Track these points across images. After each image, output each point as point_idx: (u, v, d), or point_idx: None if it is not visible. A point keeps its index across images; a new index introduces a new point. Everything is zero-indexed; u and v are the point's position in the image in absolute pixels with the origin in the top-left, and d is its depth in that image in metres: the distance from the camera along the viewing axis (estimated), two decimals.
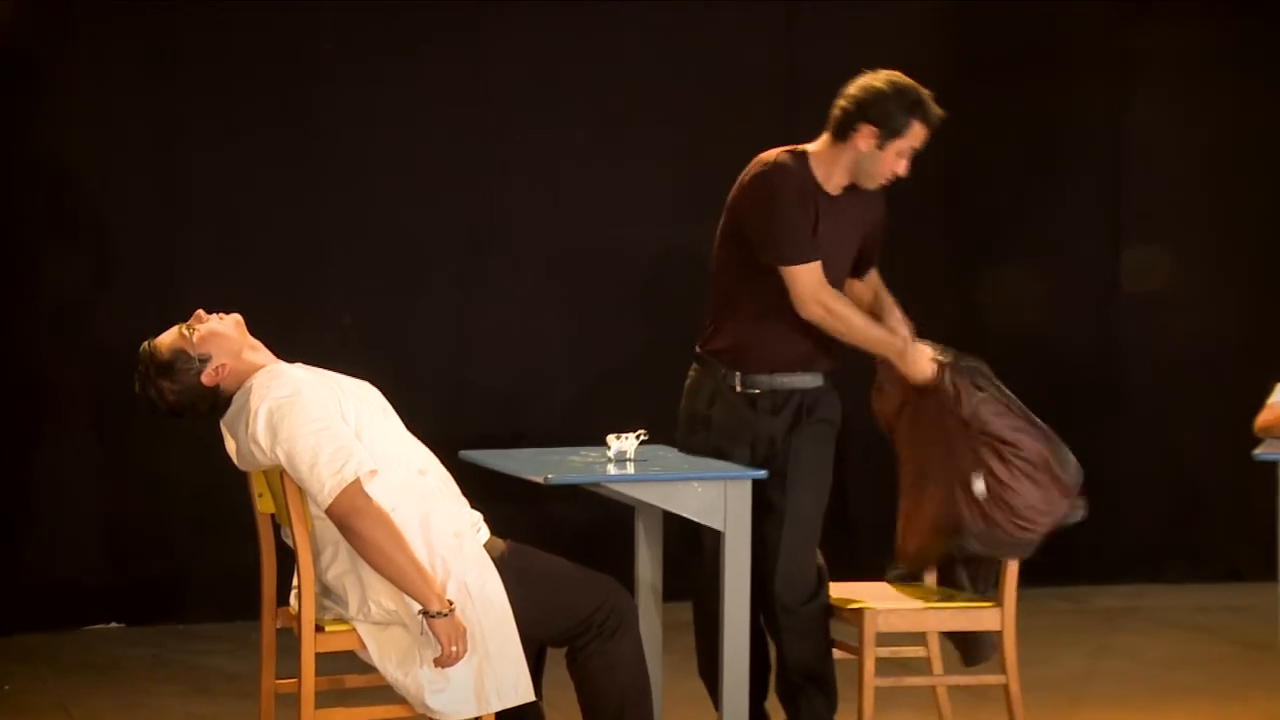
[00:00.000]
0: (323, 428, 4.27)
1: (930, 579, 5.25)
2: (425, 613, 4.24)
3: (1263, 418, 5.18)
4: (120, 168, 7.01)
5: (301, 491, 4.31)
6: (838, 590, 5.12)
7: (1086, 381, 7.98)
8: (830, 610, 5.09)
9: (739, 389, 5.11)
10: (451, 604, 4.26)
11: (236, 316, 4.51)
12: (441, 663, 4.26)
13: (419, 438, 4.55)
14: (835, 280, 5.06)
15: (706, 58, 7.42)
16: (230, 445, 4.46)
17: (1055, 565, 7.73)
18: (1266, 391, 5.27)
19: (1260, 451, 5.04)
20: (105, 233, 7.01)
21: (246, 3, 7.06)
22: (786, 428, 5.10)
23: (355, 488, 4.24)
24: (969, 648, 5.14)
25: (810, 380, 5.13)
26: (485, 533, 4.50)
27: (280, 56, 7.13)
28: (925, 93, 5.03)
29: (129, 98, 7.00)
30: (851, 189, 5.09)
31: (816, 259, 4.99)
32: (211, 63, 7.06)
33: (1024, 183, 7.92)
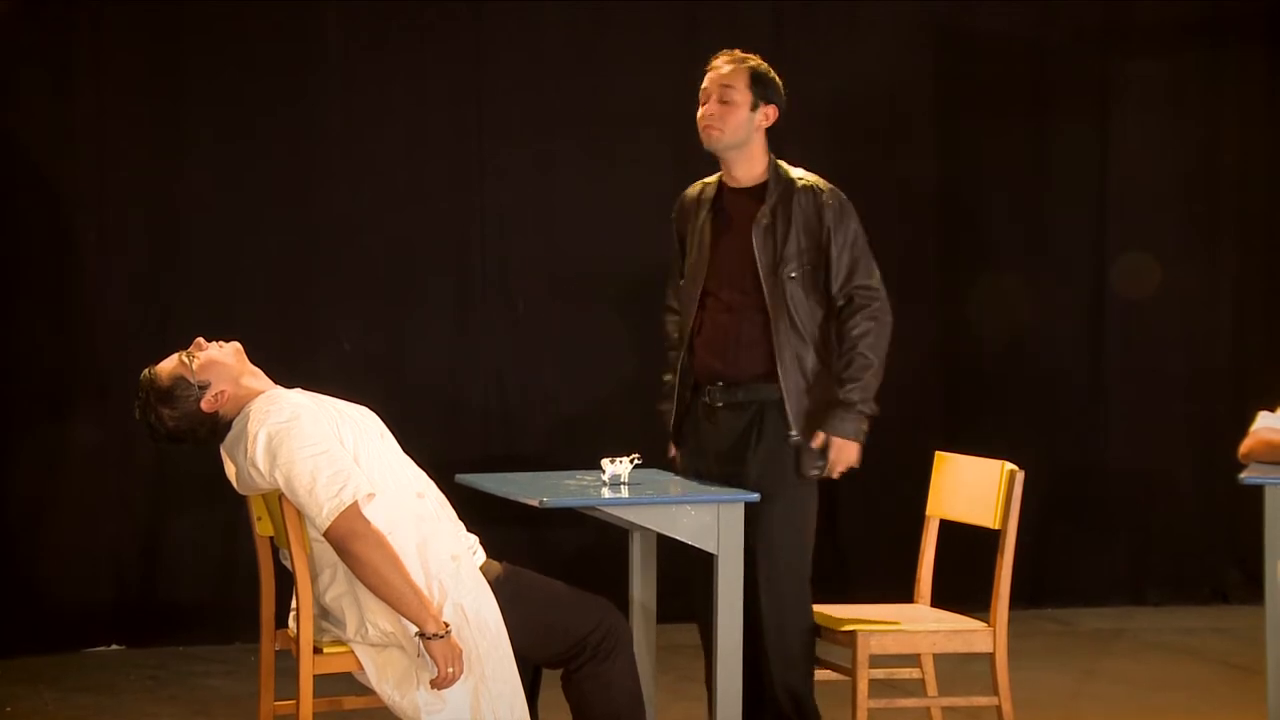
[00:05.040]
0: (321, 452, 4.27)
1: (924, 600, 5.25)
2: (422, 635, 4.23)
3: (1246, 445, 5.17)
4: (117, 197, 6.99)
5: (300, 515, 4.30)
6: (830, 611, 5.10)
7: (1073, 403, 7.96)
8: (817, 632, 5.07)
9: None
10: (448, 626, 4.25)
11: (236, 344, 4.51)
12: (438, 684, 4.25)
13: (416, 461, 4.54)
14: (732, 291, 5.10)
15: (696, 69, 7.42)
16: (230, 470, 4.45)
17: (1045, 587, 7.77)
18: (1251, 413, 5.26)
19: (1246, 475, 5.03)
20: (106, 259, 6.99)
21: (240, 30, 7.05)
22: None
23: (353, 511, 4.23)
24: None
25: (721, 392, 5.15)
26: (481, 555, 4.49)
27: (277, 78, 7.12)
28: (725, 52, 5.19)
29: (126, 117, 6.99)
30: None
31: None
32: (209, 82, 7.05)
33: (1013, 199, 7.91)
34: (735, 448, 5.09)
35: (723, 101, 5.07)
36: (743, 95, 5.07)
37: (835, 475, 5.07)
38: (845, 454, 5.04)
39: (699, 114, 5.11)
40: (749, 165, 5.13)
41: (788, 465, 5.04)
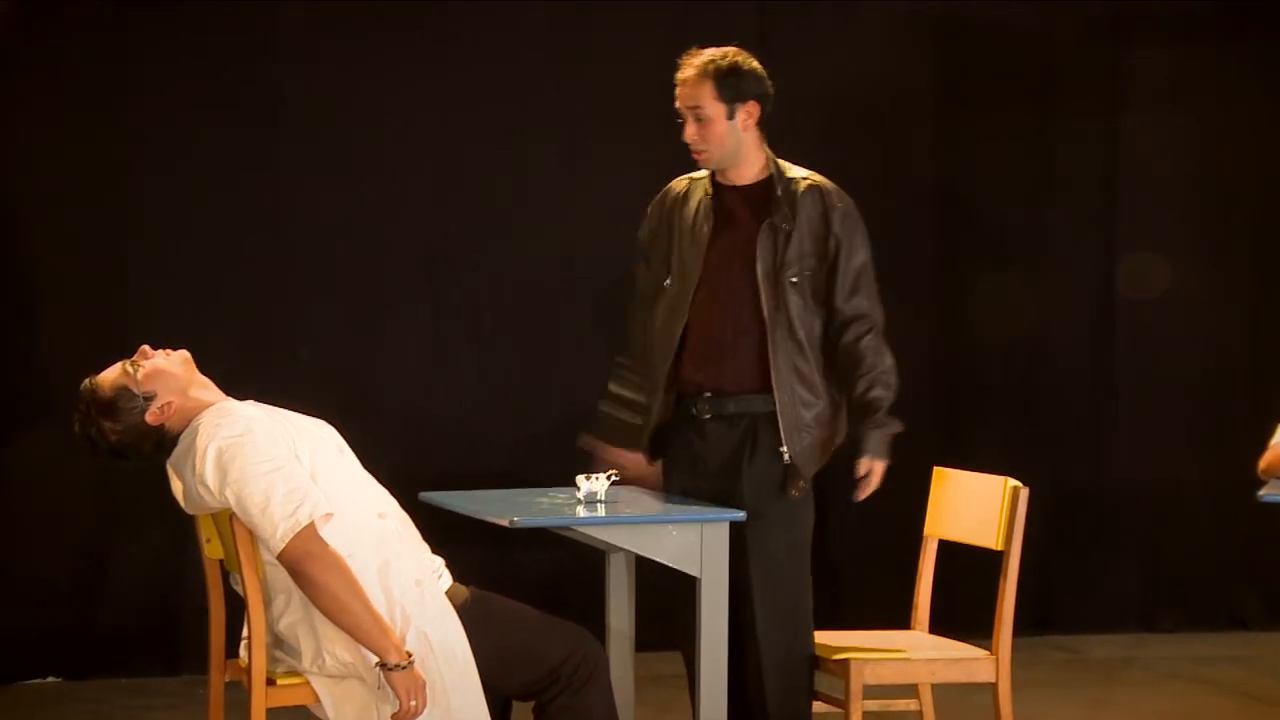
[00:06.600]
0: (275, 468, 4.26)
1: (922, 626, 5.26)
2: (383, 665, 4.23)
3: (1266, 459, 5.19)
4: (67, 193, 6.99)
5: (252, 536, 4.30)
6: (822, 638, 5.11)
7: (1079, 413, 7.98)
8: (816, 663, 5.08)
9: None
10: (411, 655, 4.25)
11: (184, 352, 4.50)
12: (400, 718, 4.23)
13: (377, 478, 4.54)
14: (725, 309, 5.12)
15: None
16: (176, 487, 4.44)
17: (1051, 613, 7.79)
18: (1269, 424, 5.27)
19: (1265, 493, 5.04)
20: (49, 263, 6.98)
21: (200, 21, 7.05)
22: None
23: (309, 532, 4.23)
24: None
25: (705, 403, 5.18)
26: (447, 579, 4.49)
27: (236, 77, 7.12)
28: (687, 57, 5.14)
29: (79, 118, 6.98)
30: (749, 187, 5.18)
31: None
32: (164, 84, 7.05)
33: (1016, 197, 7.94)
34: (727, 464, 5.09)
35: (698, 120, 5.08)
36: (713, 107, 5.06)
37: (861, 497, 5.07)
38: (877, 475, 5.07)
39: (685, 136, 5.12)
40: (745, 165, 5.13)
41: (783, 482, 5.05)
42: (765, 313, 5.03)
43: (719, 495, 5.03)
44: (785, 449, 5.02)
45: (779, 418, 5.02)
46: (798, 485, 5.04)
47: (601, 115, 7.44)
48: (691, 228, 5.16)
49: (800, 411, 5.03)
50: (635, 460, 5.23)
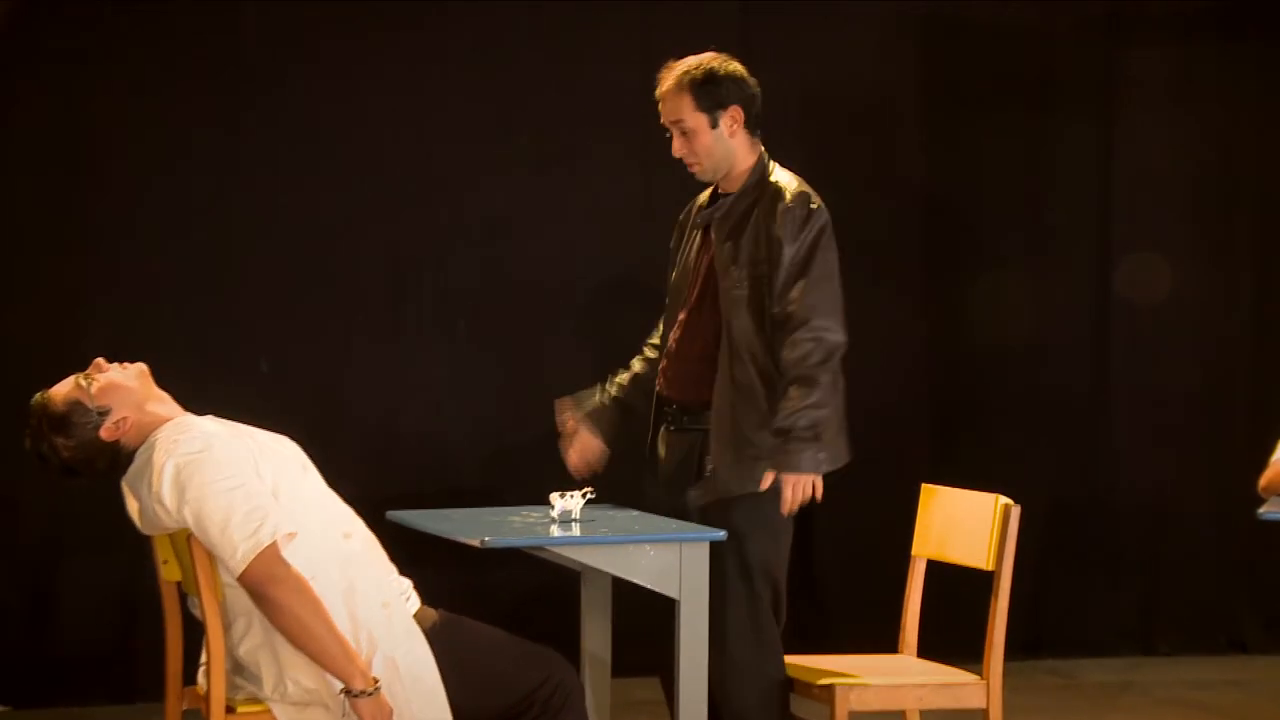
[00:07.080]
0: (235, 486, 4.25)
1: (910, 650, 5.26)
2: (348, 692, 4.22)
3: (1266, 477, 5.19)
4: (19, 197, 6.97)
5: (211, 557, 4.28)
6: (806, 663, 5.10)
7: (1074, 426, 7.98)
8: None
9: None
10: (377, 682, 4.24)
11: (141, 366, 4.50)
12: None
13: (342, 496, 4.54)
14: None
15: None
16: (132, 506, 4.43)
17: (1044, 636, 7.79)
18: (1271, 438, 5.27)
19: (1265, 510, 5.04)
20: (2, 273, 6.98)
21: (164, 30, 7.04)
22: None
23: (271, 552, 4.21)
24: None
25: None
26: (415, 602, 4.48)
27: (197, 75, 7.10)
28: (664, 71, 5.16)
29: (33, 126, 6.97)
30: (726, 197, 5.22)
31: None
32: (122, 86, 7.03)
33: (1010, 198, 7.95)
34: (679, 477, 5.17)
35: (683, 134, 5.10)
36: (695, 119, 5.09)
37: (785, 512, 4.99)
38: (798, 491, 4.96)
39: (673, 151, 5.15)
40: (740, 171, 5.15)
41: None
42: (719, 325, 5.07)
43: (673, 509, 5.09)
44: (709, 459, 5.03)
45: (711, 429, 5.03)
46: (716, 498, 5.01)
47: (575, 117, 7.44)
48: (689, 238, 5.26)
49: (740, 427, 5.01)
50: (588, 438, 5.37)
